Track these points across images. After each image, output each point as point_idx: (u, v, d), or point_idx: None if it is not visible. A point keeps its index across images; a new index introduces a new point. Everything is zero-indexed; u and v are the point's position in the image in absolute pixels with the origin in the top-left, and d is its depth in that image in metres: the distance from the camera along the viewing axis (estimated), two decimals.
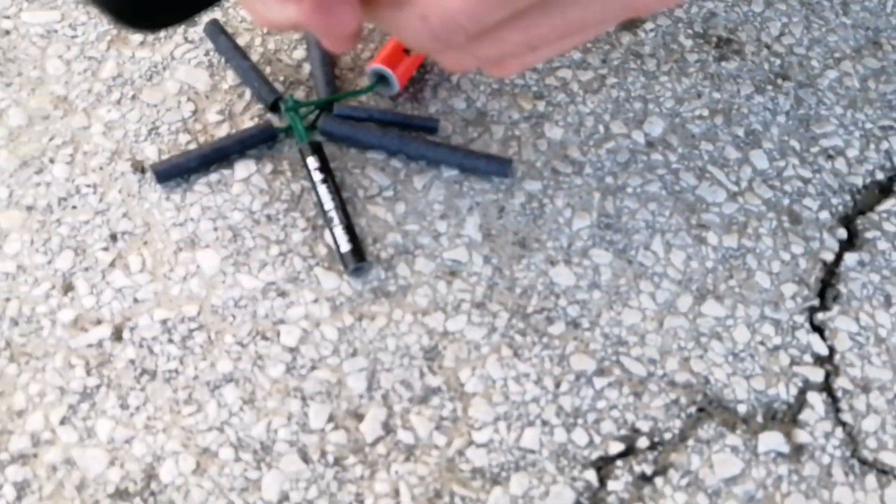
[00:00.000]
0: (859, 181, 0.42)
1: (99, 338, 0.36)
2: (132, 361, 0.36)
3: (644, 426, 0.35)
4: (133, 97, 0.42)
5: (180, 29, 0.45)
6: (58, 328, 0.36)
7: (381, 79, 0.43)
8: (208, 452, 0.34)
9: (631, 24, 0.47)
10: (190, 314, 0.37)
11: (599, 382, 0.36)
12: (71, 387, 0.35)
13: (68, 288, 0.37)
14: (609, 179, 0.41)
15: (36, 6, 0.46)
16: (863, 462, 0.35)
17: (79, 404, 0.35)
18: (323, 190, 0.39)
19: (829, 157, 0.43)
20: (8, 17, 0.45)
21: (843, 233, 0.40)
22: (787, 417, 0.36)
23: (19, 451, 0.33)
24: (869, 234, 0.40)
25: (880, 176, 0.42)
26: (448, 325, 0.37)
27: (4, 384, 0.35)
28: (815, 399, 0.36)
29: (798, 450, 0.35)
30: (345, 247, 0.38)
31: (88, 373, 0.35)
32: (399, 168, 0.41)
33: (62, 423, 0.34)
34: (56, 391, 0.35)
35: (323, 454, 0.34)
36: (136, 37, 0.45)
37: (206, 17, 0.45)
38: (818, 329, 0.38)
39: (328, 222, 0.39)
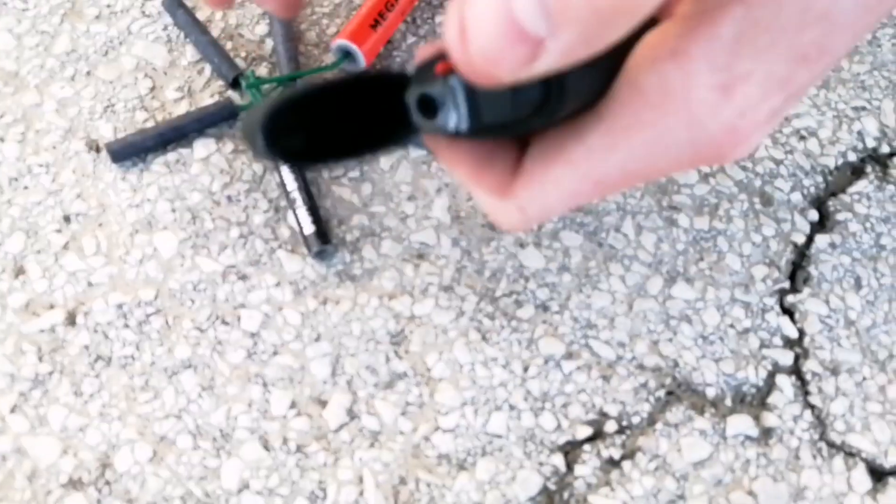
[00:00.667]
0: (831, 162, 0.41)
1: (51, 323, 0.35)
2: (86, 347, 0.34)
3: (612, 410, 0.35)
4: (88, 73, 0.41)
5: (137, 2, 0.43)
6: (8, 313, 0.35)
7: (346, 55, 0.41)
8: (166, 440, 0.33)
9: None
10: (147, 298, 0.36)
11: (568, 366, 0.36)
12: (22, 373, 0.34)
13: (19, 271, 0.36)
14: None
15: None
16: (830, 445, 0.35)
17: (30, 391, 0.33)
18: (285, 171, 0.38)
19: (802, 137, 0.42)
20: None
21: (814, 215, 0.40)
22: (755, 401, 0.36)
23: None
24: (840, 216, 0.40)
25: (852, 157, 0.42)
26: (415, 309, 0.36)
27: None
28: (784, 382, 0.36)
29: (766, 433, 0.35)
30: (308, 229, 0.37)
31: (40, 359, 0.34)
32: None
33: (12, 411, 0.33)
34: (6, 378, 0.33)
35: (285, 441, 0.33)
36: (91, 10, 0.43)
37: None
38: (788, 312, 0.38)
39: (291, 203, 0.38)
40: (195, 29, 0.42)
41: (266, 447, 0.33)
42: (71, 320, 0.35)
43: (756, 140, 0.24)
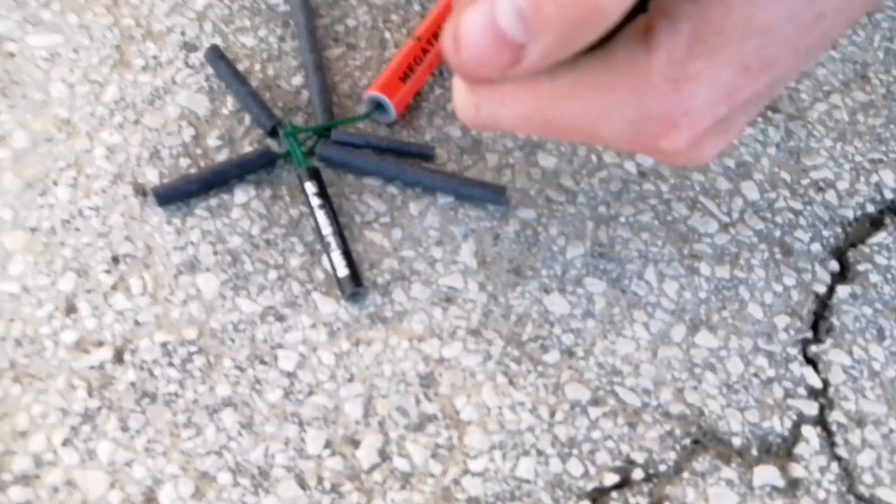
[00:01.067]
0: (850, 213, 0.43)
1: (101, 360, 0.36)
2: (133, 384, 0.36)
3: (639, 457, 0.36)
4: (135, 121, 0.43)
5: (181, 54, 0.45)
6: (60, 350, 0.36)
7: (378, 106, 0.43)
8: (207, 476, 0.34)
9: None
10: (190, 337, 0.37)
11: (594, 412, 0.36)
12: (73, 408, 0.35)
13: (71, 310, 0.37)
14: (602, 209, 0.42)
15: (41, 29, 0.46)
16: (859, 498, 0.35)
17: (80, 426, 0.35)
18: (321, 215, 0.40)
19: (820, 189, 0.43)
20: (13, 41, 0.45)
21: (835, 265, 0.41)
22: (781, 451, 0.36)
23: (22, 472, 0.34)
24: (861, 267, 0.41)
25: (871, 209, 0.43)
26: (444, 352, 0.38)
27: (8, 405, 0.35)
28: (810, 433, 0.37)
29: (793, 484, 0.35)
30: (342, 272, 0.39)
31: (90, 394, 0.36)
32: (395, 194, 0.42)
33: (64, 444, 0.34)
34: (58, 412, 0.35)
35: (320, 480, 0.34)
36: (138, 61, 0.45)
37: (206, 43, 0.45)
38: (811, 362, 0.39)
39: (326, 247, 0.39)
40: (235, 80, 0.44)
41: (302, 486, 0.34)
42: (119, 358, 0.36)
43: (702, 150, 0.26)
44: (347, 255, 0.39)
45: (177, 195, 0.40)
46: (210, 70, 0.45)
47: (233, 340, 0.37)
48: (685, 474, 0.35)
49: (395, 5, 0.48)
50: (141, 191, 0.41)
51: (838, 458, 0.36)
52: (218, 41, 0.46)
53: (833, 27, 0.25)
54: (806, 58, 0.25)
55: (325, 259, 0.39)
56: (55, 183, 0.41)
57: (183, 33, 0.46)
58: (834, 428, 0.37)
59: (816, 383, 0.38)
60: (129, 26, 0.46)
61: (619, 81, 0.23)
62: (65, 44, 0.46)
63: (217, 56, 0.45)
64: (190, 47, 0.46)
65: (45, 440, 0.34)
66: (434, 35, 0.45)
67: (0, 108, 0.43)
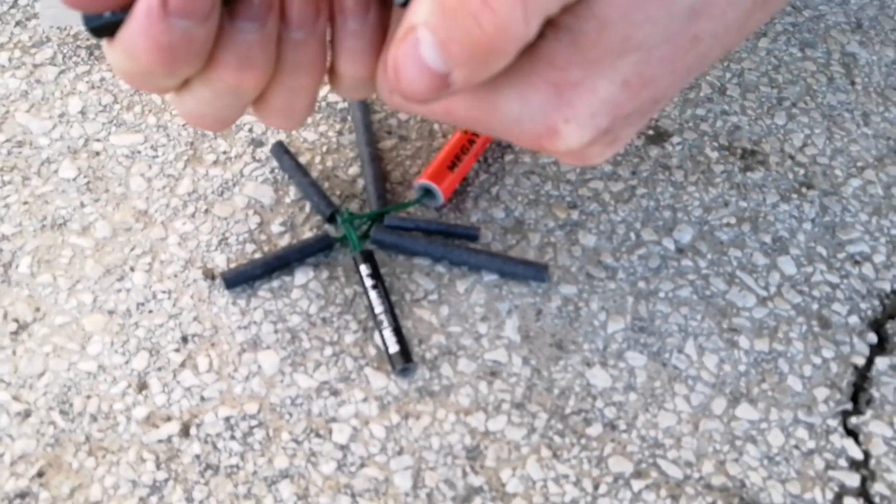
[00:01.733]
0: (887, 286, 0.43)
1: (168, 434, 0.39)
2: (198, 457, 0.38)
3: None
4: (206, 211, 0.46)
5: (249, 149, 0.49)
6: (132, 424, 0.39)
7: (427, 192, 0.46)
8: None
9: (659, 138, 0.49)
10: (251, 412, 0.39)
11: (637, 485, 0.37)
12: (142, 480, 0.37)
13: (143, 386, 0.40)
14: (641, 284, 0.43)
15: (123, 130, 0.51)
16: None
17: (149, 497, 0.37)
18: (374, 295, 0.42)
19: (856, 262, 0.44)
20: (98, 140, 0.50)
21: (873, 337, 0.41)
22: None
23: None
24: None
25: None
26: (489, 425, 0.39)
27: (83, 477, 0.37)
28: None
29: None
30: (393, 348, 0.40)
31: (158, 467, 0.38)
32: (443, 273, 0.44)
33: None
34: (129, 484, 0.37)
35: None
36: (210, 156, 0.49)
37: (272, 139, 0.49)
38: (852, 433, 0.38)
39: (378, 325, 0.41)
40: (297, 171, 0.47)
41: None
42: (185, 432, 0.39)
43: (589, 157, 0.28)
44: (398, 332, 0.41)
45: (242, 278, 0.43)
46: (275, 163, 0.48)
47: (290, 414, 0.39)
48: None
49: None
50: (210, 275, 0.44)
51: None
52: (282, 137, 0.50)
53: (710, 50, 0.26)
54: (685, 77, 0.26)
55: (377, 336, 0.41)
56: (132, 269, 0.44)
57: (251, 130, 0.50)
58: (877, 500, 0.36)
59: (857, 455, 0.37)
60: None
61: (506, 79, 0.25)
62: (144, 142, 0.50)
63: (282, 150, 0.48)
64: (257, 143, 0.50)
65: None
66: None
67: (85, 202, 0.47)
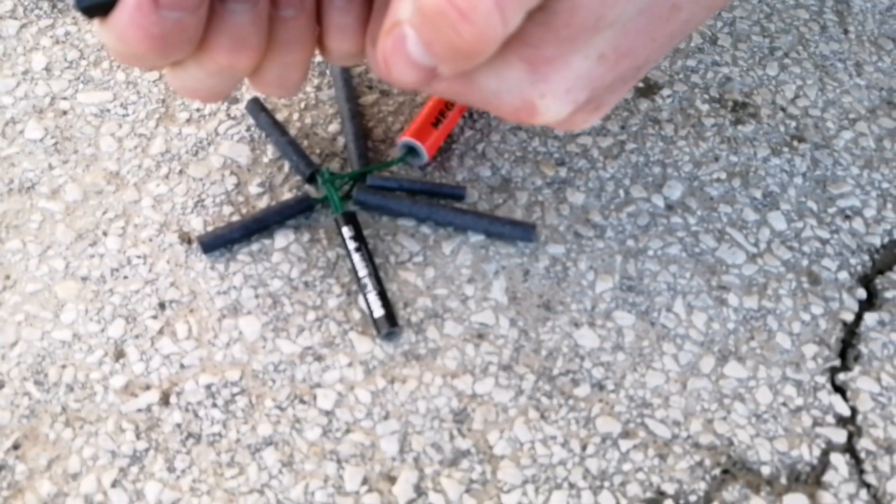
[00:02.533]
0: (877, 241, 0.42)
1: (148, 403, 0.38)
2: (178, 425, 0.37)
3: (669, 488, 0.35)
4: (180, 172, 0.44)
5: (223, 106, 0.47)
6: (110, 394, 0.38)
7: (410, 150, 0.44)
8: None
9: (649, 91, 0.47)
10: (233, 379, 0.38)
11: (625, 445, 0.36)
12: (122, 450, 0.36)
13: (120, 355, 0.39)
14: (630, 242, 0.42)
15: (91, 87, 0.48)
16: None
17: (129, 467, 0.36)
18: (357, 258, 0.41)
19: (847, 217, 0.43)
20: (65, 98, 0.48)
21: (862, 293, 0.40)
22: (810, 479, 0.36)
23: None
24: (888, 294, 0.40)
25: None
26: (476, 388, 0.38)
27: (60, 448, 0.36)
28: (839, 460, 0.36)
29: None
30: (378, 312, 0.39)
31: (138, 437, 0.37)
32: (428, 234, 0.42)
33: (113, 485, 0.35)
34: (108, 455, 0.36)
35: None
36: (183, 115, 0.47)
37: (247, 95, 0.47)
38: (840, 390, 0.38)
39: (362, 288, 0.40)
40: (275, 129, 0.45)
41: None
42: (165, 400, 0.38)
43: (573, 124, 0.29)
44: (383, 295, 0.40)
45: (220, 242, 0.42)
46: (251, 121, 0.46)
47: (273, 381, 0.38)
48: (715, 503, 0.35)
49: None
50: (186, 239, 0.42)
51: (867, 486, 0.35)
52: (258, 93, 0.47)
53: (692, 16, 0.26)
54: (667, 44, 0.26)
55: (361, 299, 0.40)
56: (105, 233, 0.42)
57: None
58: (863, 455, 0.36)
59: (845, 411, 0.37)
60: None
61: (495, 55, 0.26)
62: (113, 100, 0.48)
63: (258, 107, 0.46)
64: (232, 100, 0.47)
65: (96, 482, 0.35)
66: None
67: (53, 164, 0.45)
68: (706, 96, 0.47)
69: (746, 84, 0.48)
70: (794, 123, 0.46)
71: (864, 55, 0.49)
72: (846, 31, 0.50)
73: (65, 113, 0.47)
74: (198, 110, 0.47)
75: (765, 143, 0.45)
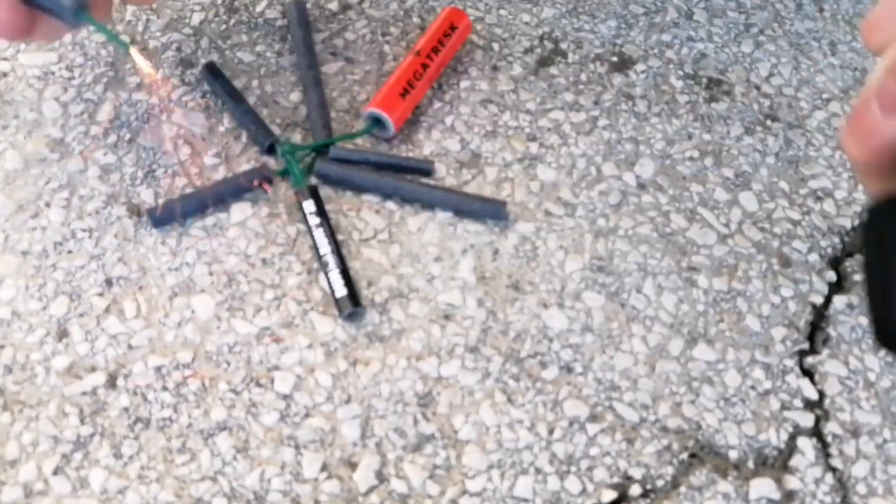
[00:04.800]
0: (848, 223, 0.41)
1: (93, 385, 0.35)
2: (126, 409, 0.35)
3: (636, 473, 0.34)
4: (129, 140, 0.41)
5: (177, 71, 0.44)
6: (52, 376, 0.35)
7: (376, 122, 0.42)
8: (201, 503, 0.33)
9: (622, 66, 0.46)
10: (184, 360, 0.36)
11: (592, 429, 0.35)
12: (64, 436, 0.34)
13: (63, 334, 0.36)
14: (601, 221, 0.41)
15: (33, 48, 0.45)
16: None
17: (72, 454, 0.33)
18: (319, 234, 0.38)
19: (818, 198, 0.42)
20: (5, 59, 0.44)
21: (832, 275, 0.40)
22: (777, 463, 0.35)
23: (11, 502, 0.32)
24: (858, 277, 0.40)
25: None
26: (442, 370, 0.36)
27: (0, 433, 0.34)
28: (806, 444, 0.35)
29: (789, 496, 0.34)
30: (340, 291, 0.37)
31: (82, 421, 0.34)
32: (394, 210, 0.40)
33: (55, 472, 0.33)
34: (49, 440, 0.34)
35: None
36: (133, 79, 0.44)
37: (203, 59, 0.44)
38: (808, 373, 0.37)
39: (323, 266, 0.38)
40: (232, 97, 0.42)
41: None
42: (112, 383, 0.35)
43: None
44: (345, 274, 0.38)
45: (172, 216, 0.39)
46: (206, 87, 0.43)
47: (228, 363, 0.36)
48: (682, 489, 0.34)
49: (394, 18, 0.47)
50: (135, 211, 0.39)
51: (833, 470, 0.35)
52: (214, 57, 0.44)
53: None
54: None
55: (322, 278, 0.38)
56: (47, 205, 0.39)
57: (179, 49, 0.45)
58: (829, 439, 0.35)
59: (812, 395, 0.36)
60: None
61: None
62: (58, 62, 0.44)
63: (213, 73, 0.43)
64: (186, 64, 0.44)
65: (36, 469, 0.33)
66: (434, 49, 0.43)
67: None
68: (680, 72, 0.46)
69: (721, 61, 0.46)
70: (767, 102, 0.45)
71: (839, 34, 0.48)
72: (821, 10, 0.49)
73: (5, 75, 0.44)
74: (149, 75, 0.44)
75: (738, 121, 0.44)
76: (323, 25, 0.46)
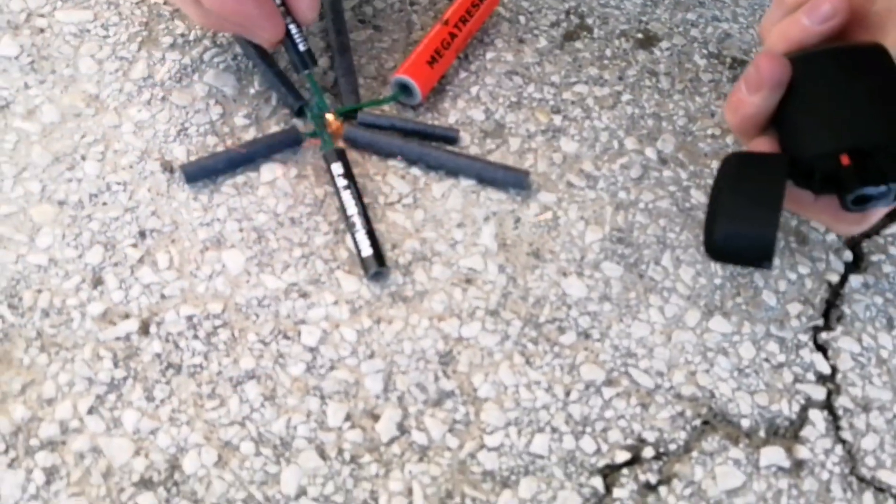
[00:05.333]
0: None
1: (126, 331, 0.37)
2: (158, 355, 0.37)
3: (650, 437, 0.36)
4: (163, 98, 0.43)
5: (209, 32, 0.46)
6: (87, 321, 0.37)
7: (403, 89, 0.44)
8: (230, 446, 0.35)
9: (647, 42, 0.47)
10: (215, 311, 0.38)
11: (608, 392, 0.37)
12: (99, 378, 0.36)
13: (98, 282, 0.38)
14: (622, 194, 0.42)
15: (70, 5, 0.47)
16: (861, 479, 0.36)
17: (106, 395, 0.36)
18: (346, 196, 0.40)
19: None
20: (42, 16, 0.46)
21: (848, 255, 0.41)
22: (788, 433, 0.37)
23: (48, 437, 0.35)
24: (874, 258, 0.41)
25: None
26: (462, 332, 0.38)
27: (35, 373, 0.36)
28: (817, 416, 0.37)
29: (798, 465, 0.36)
30: (366, 251, 0.39)
31: (116, 365, 0.36)
32: (419, 176, 0.42)
33: (90, 412, 0.35)
34: (84, 381, 0.36)
35: (340, 452, 0.35)
36: (167, 38, 0.46)
37: None
38: (821, 348, 0.39)
39: (350, 227, 0.40)
40: (263, 60, 0.44)
41: (322, 457, 0.35)
42: (145, 330, 0.37)
43: None
44: (371, 235, 0.40)
45: (204, 173, 0.41)
46: (238, 49, 0.45)
47: (257, 315, 0.38)
48: (694, 453, 0.36)
49: None
50: (168, 167, 0.41)
51: (843, 441, 0.37)
52: None
53: None
54: None
55: (348, 238, 0.40)
56: (83, 158, 0.41)
57: None
58: (840, 412, 0.37)
59: (825, 369, 0.38)
60: (157, 4, 0.47)
61: None
62: (94, 20, 0.46)
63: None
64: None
65: (72, 408, 0.35)
66: (461, 19, 0.45)
67: (30, 83, 0.43)
68: (705, 51, 0.47)
69: (745, 41, 0.48)
70: None
71: None
72: None
73: (42, 31, 0.46)
74: (182, 35, 0.46)
75: None
76: None
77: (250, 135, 0.43)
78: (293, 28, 0.40)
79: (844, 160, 0.31)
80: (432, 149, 0.43)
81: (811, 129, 0.32)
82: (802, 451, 0.36)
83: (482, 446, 0.36)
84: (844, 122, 0.31)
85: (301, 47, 0.40)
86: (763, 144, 0.34)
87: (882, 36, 0.32)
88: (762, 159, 0.33)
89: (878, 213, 0.34)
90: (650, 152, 0.44)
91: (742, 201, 0.32)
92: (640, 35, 0.48)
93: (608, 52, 0.47)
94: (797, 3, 0.33)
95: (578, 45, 0.47)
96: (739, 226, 0.31)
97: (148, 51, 0.45)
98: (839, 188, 0.32)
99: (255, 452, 0.35)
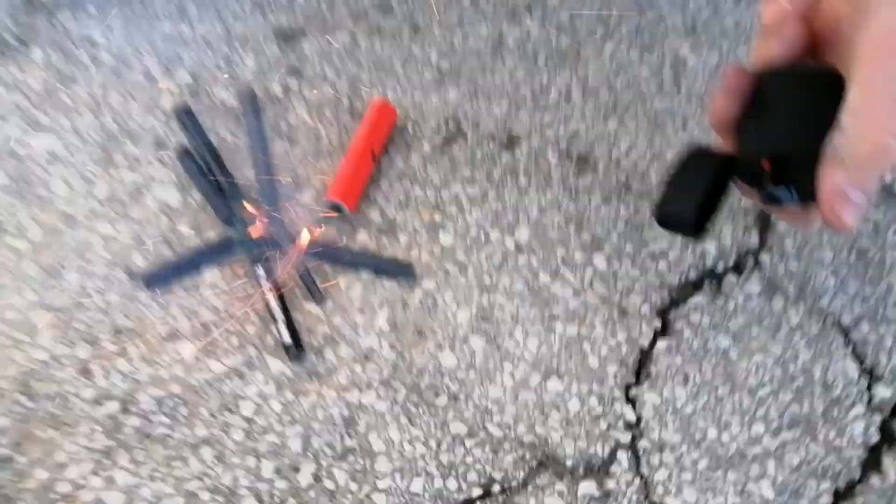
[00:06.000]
0: (676, 279, 0.57)
1: (112, 410, 0.52)
2: (136, 428, 0.51)
3: (498, 476, 0.52)
4: (123, 214, 0.56)
5: (154, 152, 0.58)
6: (82, 403, 0.52)
7: (335, 206, 0.56)
8: (193, 495, 0.50)
9: (510, 144, 0.60)
10: (175, 392, 0.52)
11: (469, 443, 0.52)
12: (95, 447, 0.51)
13: (87, 372, 0.53)
14: (486, 279, 0.56)
15: (40, 131, 0.58)
16: None
17: (101, 459, 0.51)
18: (269, 294, 0.54)
19: (655, 259, 0.57)
20: (20, 143, 0.58)
21: (657, 323, 0.55)
22: (601, 470, 0.52)
23: (64, 493, 0.50)
24: (678, 325, 0.56)
25: (693, 275, 0.57)
26: (362, 399, 0.53)
27: (49, 445, 0.51)
28: (623, 456, 0.53)
29: (607, 494, 0.52)
30: (287, 340, 0.53)
31: (107, 436, 0.51)
32: (327, 271, 0.56)
33: (92, 473, 0.50)
34: (85, 450, 0.51)
35: (272, 496, 0.50)
36: (120, 159, 0.58)
37: (174, 140, 0.58)
38: (631, 401, 0.54)
39: (274, 319, 0.54)
40: (199, 173, 0.57)
41: (259, 501, 0.50)
42: (125, 409, 0.52)
43: None
44: (290, 324, 0.54)
45: (159, 279, 0.54)
46: (180, 168, 0.58)
47: (207, 394, 0.52)
48: (530, 487, 0.52)
49: (328, 101, 0.60)
50: (131, 274, 0.55)
51: (641, 475, 0.52)
52: (182, 138, 0.58)
53: None
54: None
55: (273, 328, 0.54)
56: (64, 268, 0.55)
57: (154, 133, 0.59)
58: (641, 452, 0.53)
59: (633, 418, 0.53)
60: (111, 128, 0.59)
61: None
62: (61, 145, 0.58)
63: (183, 152, 0.57)
64: (161, 145, 0.58)
65: (78, 470, 0.50)
66: (382, 147, 0.57)
67: (17, 206, 0.56)
68: (556, 149, 0.60)
69: (590, 138, 0.60)
70: (624, 175, 0.59)
71: (691, 110, 0.62)
72: (679, 89, 0.62)
73: (21, 157, 0.58)
74: (134, 158, 0.58)
75: (598, 192, 0.59)
76: (270, 108, 0.60)
77: (194, 242, 0.56)
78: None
79: (766, 164, 0.37)
80: (336, 249, 0.56)
81: (752, 134, 0.39)
82: (610, 483, 0.52)
83: (375, 489, 0.51)
84: (776, 133, 0.38)
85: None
86: (727, 143, 0.40)
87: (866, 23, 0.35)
88: (705, 154, 0.38)
89: (817, 216, 0.40)
90: (509, 242, 0.57)
91: (676, 184, 0.38)
92: (504, 137, 0.60)
93: (478, 155, 0.59)
94: (773, 26, 0.38)
95: (455, 148, 0.59)
96: (668, 205, 0.37)
97: (108, 171, 0.57)
98: (758, 186, 0.38)
99: (211, 499, 0.50)
